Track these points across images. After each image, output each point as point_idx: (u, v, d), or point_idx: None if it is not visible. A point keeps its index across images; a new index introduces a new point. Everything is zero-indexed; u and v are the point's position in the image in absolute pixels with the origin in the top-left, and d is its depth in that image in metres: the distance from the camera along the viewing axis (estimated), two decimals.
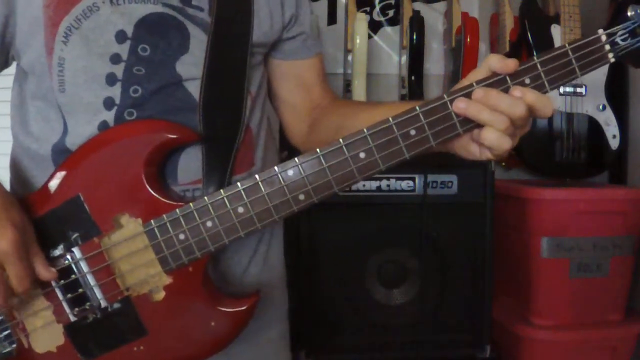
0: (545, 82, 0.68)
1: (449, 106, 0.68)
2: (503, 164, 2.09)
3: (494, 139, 0.66)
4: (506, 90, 0.67)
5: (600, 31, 0.68)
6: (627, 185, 2.09)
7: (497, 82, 0.68)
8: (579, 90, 1.90)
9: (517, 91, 0.66)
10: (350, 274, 1.58)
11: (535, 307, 1.77)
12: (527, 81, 0.68)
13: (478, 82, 0.68)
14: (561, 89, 1.88)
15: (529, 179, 2.10)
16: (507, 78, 0.68)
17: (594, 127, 1.92)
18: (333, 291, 1.57)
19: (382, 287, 1.61)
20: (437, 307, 1.61)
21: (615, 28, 0.68)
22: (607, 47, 0.68)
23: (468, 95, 0.68)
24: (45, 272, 0.72)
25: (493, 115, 0.66)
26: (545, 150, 1.92)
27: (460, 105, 0.67)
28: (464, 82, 0.70)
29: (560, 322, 1.76)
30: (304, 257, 1.54)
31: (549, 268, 1.74)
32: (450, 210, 1.58)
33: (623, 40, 0.68)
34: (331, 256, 1.56)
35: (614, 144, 1.94)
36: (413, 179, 1.56)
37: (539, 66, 0.68)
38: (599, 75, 1.91)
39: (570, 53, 0.68)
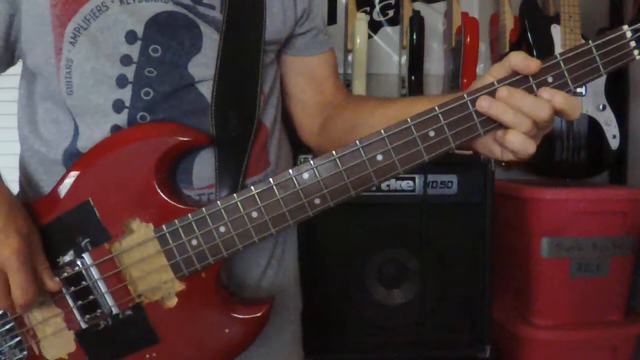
0: (569, 81, 0.65)
1: (469, 106, 0.66)
2: (503, 163, 2.09)
3: (519, 143, 0.64)
4: (529, 89, 0.64)
5: (625, 27, 0.64)
6: (627, 185, 2.09)
7: (520, 80, 0.65)
8: (579, 90, 1.89)
9: (545, 93, 0.64)
10: (350, 274, 1.57)
11: (535, 307, 1.77)
12: (550, 80, 0.65)
13: (500, 81, 0.65)
14: None
15: (529, 179, 2.10)
16: (530, 76, 0.65)
17: (594, 127, 1.92)
18: (333, 291, 1.56)
19: (382, 287, 1.60)
20: (437, 307, 1.60)
21: None
22: (633, 43, 0.64)
23: (491, 94, 0.65)
24: (50, 282, 0.71)
25: (517, 116, 0.64)
26: (545, 150, 1.92)
27: (484, 104, 0.65)
28: (485, 79, 0.67)
29: (560, 322, 1.76)
30: (303, 257, 1.53)
31: (549, 268, 1.73)
32: (450, 210, 1.57)
33: None
34: (331, 256, 1.55)
35: (614, 144, 1.94)
36: (413, 179, 1.55)
37: (562, 64, 0.65)
38: None
39: (594, 50, 0.64)
